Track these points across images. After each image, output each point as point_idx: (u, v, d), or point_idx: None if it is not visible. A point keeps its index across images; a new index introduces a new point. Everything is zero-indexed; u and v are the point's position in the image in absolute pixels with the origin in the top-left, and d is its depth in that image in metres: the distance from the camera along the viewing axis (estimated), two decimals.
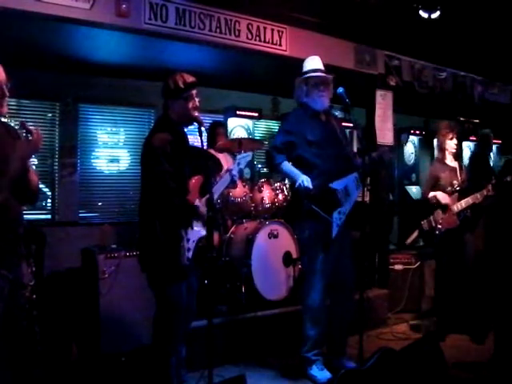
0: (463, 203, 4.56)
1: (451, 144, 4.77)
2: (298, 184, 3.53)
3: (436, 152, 8.35)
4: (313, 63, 3.76)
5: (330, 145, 3.64)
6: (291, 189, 4.04)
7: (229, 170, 3.35)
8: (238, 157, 3.47)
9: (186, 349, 3.33)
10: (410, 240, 5.09)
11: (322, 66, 3.76)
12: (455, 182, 4.69)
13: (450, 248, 4.65)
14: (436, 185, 4.74)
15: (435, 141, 8.52)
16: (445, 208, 4.60)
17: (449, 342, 4.45)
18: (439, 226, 4.62)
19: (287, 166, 3.68)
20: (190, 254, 3.06)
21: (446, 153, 4.80)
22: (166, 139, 3.01)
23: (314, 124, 3.69)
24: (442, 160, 4.83)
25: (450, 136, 4.76)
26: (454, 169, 4.77)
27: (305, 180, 3.52)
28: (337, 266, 3.66)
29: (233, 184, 3.39)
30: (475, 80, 6.60)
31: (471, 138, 8.53)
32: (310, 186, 3.51)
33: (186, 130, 3.29)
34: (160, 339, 3.10)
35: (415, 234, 4.95)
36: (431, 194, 4.71)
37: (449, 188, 4.68)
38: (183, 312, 3.12)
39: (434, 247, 4.77)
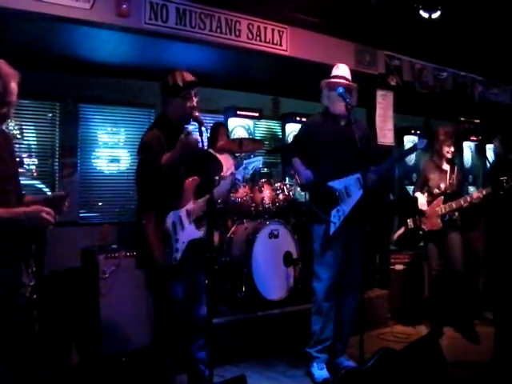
0: (447, 207, 4.66)
1: (448, 150, 4.79)
2: (301, 179, 3.69)
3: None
4: (339, 70, 3.82)
5: (340, 146, 3.65)
6: (302, 188, 4.13)
7: (232, 174, 3.31)
8: (246, 161, 3.37)
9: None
10: (396, 236, 5.15)
11: (347, 75, 3.80)
12: (442, 185, 4.76)
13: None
14: (425, 185, 4.88)
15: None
16: (421, 213, 4.76)
17: (448, 342, 4.45)
18: (423, 227, 4.77)
19: (297, 162, 3.78)
20: (178, 255, 2.97)
21: (440, 157, 4.84)
22: (157, 136, 2.99)
23: (329, 127, 3.74)
24: (434, 162, 4.88)
25: (448, 142, 4.78)
26: (444, 172, 4.82)
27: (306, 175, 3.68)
28: (345, 265, 3.68)
29: (234, 188, 3.31)
30: (476, 80, 6.60)
31: (472, 138, 8.55)
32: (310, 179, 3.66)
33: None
34: (158, 339, 3.09)
35: (401, 230, 5.07)
36: (416, 194, 4.89)
37: (436, 190, 4.77)
38: (180, 312, 3.06)
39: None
